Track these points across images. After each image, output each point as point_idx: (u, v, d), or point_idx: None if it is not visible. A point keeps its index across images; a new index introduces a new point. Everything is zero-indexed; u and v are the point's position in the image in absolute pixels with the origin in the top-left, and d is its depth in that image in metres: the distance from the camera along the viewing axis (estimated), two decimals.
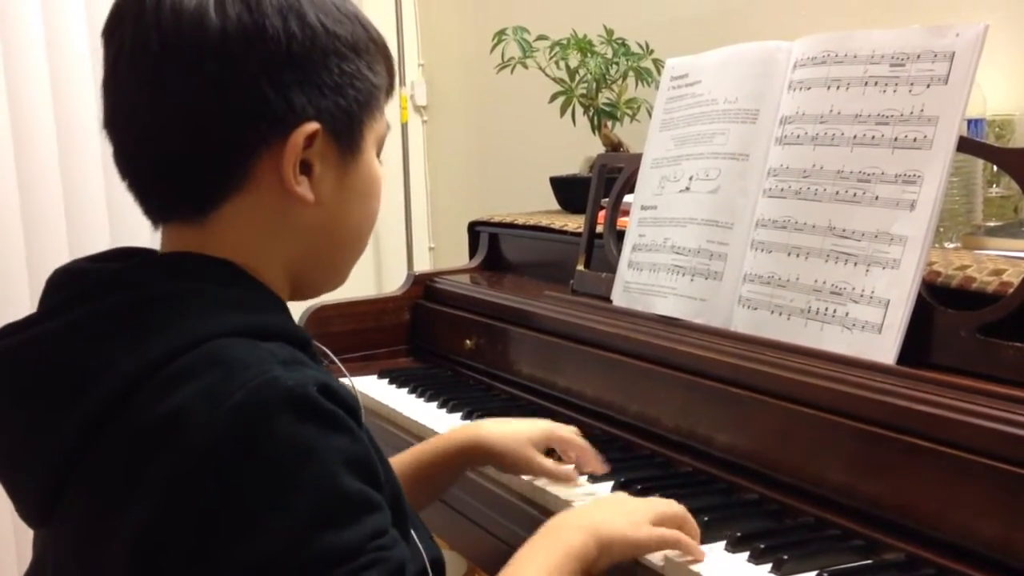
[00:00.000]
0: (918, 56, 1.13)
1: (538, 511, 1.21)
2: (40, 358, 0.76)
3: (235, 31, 0.76)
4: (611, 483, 1.20)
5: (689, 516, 1.01)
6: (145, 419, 0.71)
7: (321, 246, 0.85)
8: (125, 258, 0.83)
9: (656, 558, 1.01)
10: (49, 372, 0.75)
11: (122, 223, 2.31)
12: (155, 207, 0.82)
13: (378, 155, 0.87)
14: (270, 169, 0.78)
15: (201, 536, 0.68)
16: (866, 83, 1.18)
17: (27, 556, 0.85)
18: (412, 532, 0.83)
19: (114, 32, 0.80)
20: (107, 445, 0.72)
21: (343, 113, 0.81)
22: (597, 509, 0.99)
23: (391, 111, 2.89)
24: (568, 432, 1.23)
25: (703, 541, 1.03)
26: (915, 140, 1.12)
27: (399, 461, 1.16)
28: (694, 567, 0.99)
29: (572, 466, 1.22)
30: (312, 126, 0.78)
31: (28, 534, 0.83)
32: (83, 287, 0.79)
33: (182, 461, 0.68)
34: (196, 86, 0.76)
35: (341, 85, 0.80)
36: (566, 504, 1.17)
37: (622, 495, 1.02)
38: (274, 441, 0.69)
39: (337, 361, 1.01)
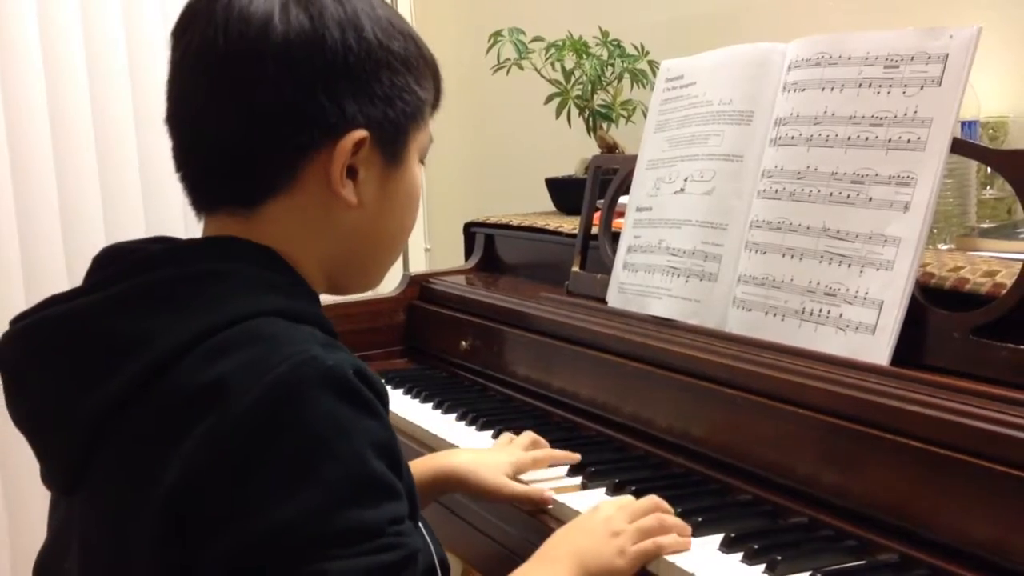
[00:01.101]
0: (912, 58, 1.14)
1: (536, 514, 1.21)
2: (83, 328, 0.78)
3: (297, 39, 0.80)
4: (605, 484, 1.21)
5: (671, 519, 1.04)
6: (185, 389, 0.73)
7: (359, 248, 0.88)
8: (169, 242, 0.86)
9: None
10: (90, 341, 0.77)
11: (118, 223, 2.31)
12: (204, 199, 0.86)
13: (421, 162, 0.91)
14: (318, 171, 0.82)
15: (229, 501, 0.70)
16: (860, 85, 1.18)
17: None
18: (421, 526, 0.85)
19: (184, 32, 0.83)
20: (144, 414, 0.74)
21: (390, 123, 0.85)
22: (581, 536, 1.01)
23: None
24: (533, 460, 1.25)
25: (696, 536, 1.04)
26: (909, 141, 1.12)
27: None
28: (687, 567, 0.99)
29: (544, 488, 1.22)
30: (361, 133, 0.82)
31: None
32: (129, 263, 0.82)
33: (219, 425, 0.70)
34: (256, 88, 0.80)
35: (391, 97, 0.84)
36: (561, 505, 1.17)
37: (604, 509, 1.04)
38: (312, 414, 0.71)
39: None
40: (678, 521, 1.05)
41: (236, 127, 0.81)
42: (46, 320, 0.80)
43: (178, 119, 0.85)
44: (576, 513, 1.15)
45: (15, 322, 0.82)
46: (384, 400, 0.78)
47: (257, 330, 0.75)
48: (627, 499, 1.08)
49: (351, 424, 0.73)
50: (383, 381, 0.79)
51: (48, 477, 0.83)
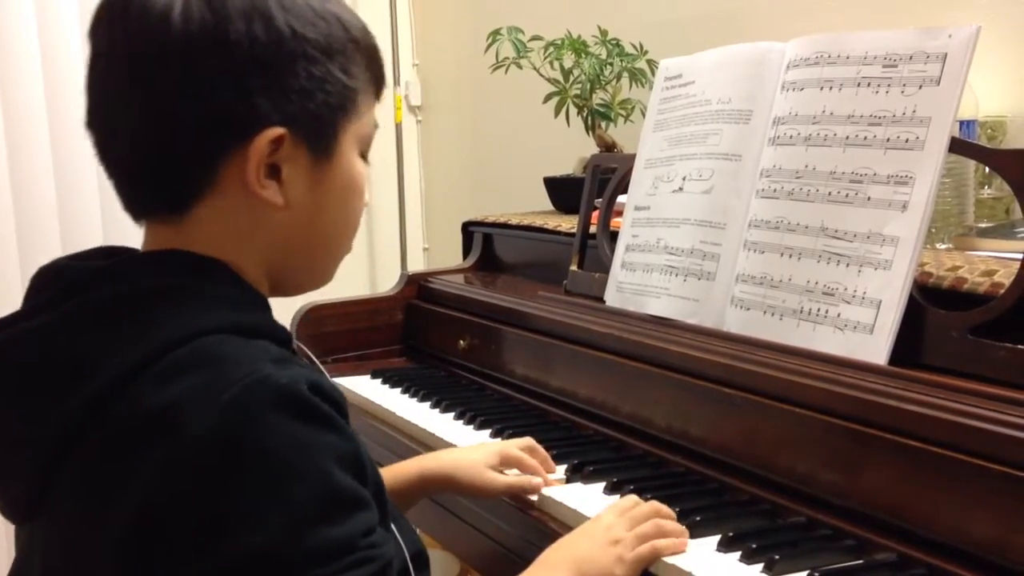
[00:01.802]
0: (910, 57, 1.14)
1: (533, 512, 1.21)
2: (26, 354, 0.76)
3: (198, 35, 0.76)
4: (603, 483, 1.21)
5: (668, 524, 1.04)
6: (137, 414, 0.71)
7: (297, 248, 0.84)
8: (108, 257, 0.83)
9: None
10: (35, 367, 0.76)
11: (116, 222, 2.31)
12: (132, 205, 0.83)
13: (364, 155, 0.87)
14: (237, 173, 0.78)
15: (194, 528, 0.68)
16: (859, 84, 1.18)
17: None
18: (392, 525, 0.84)
19: (94, 33, 0.81)
20: (97, 440, 0.73)
21: (312, 117, 0.80)
22: (581, 542, 1.02)
23: (385, 111, 2.88)
24: (518, 451, 1.24)
25: (694, 535, 1.04)
26: (907, 141, 1.12)
27: None
28: (685, 567, 0.99)
29: (532, 478, 1.22)
30: (276, 131, 0.78)
31: (11, 530, 0.83)
32: (68, 283, 0.79)
33: (176, 455, 0.69)
34: (160, 89, 0.77)
35: (309, 89, 0.79)
36: (556, 504, 1.17)
37: (605, 517, 1.04)
38: (270, 436, 0.69)
39: (316, 361, 1.01)
40: (676, 525, 1.04)
41: (144, 128, 0.78)
42: None
43: (93, 123, 0.81)
44: (573, 511, 1.15)
45: None
46: (343, 410, 0.75)
47: (208, 350, 0.72)
48: (630, 501, 1.07)
49: (310, 440, 0.70)
50: (340, 391, 0.76)
51: (6, 508, 0.81)
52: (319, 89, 0.80)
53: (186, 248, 0.80)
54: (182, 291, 0.77)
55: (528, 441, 1.26)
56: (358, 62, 0.83)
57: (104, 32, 0.79)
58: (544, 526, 1.17)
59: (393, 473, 1.20)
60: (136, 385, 0.72)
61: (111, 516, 0.70)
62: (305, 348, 0.86)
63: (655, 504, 1.06)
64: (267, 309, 0.83)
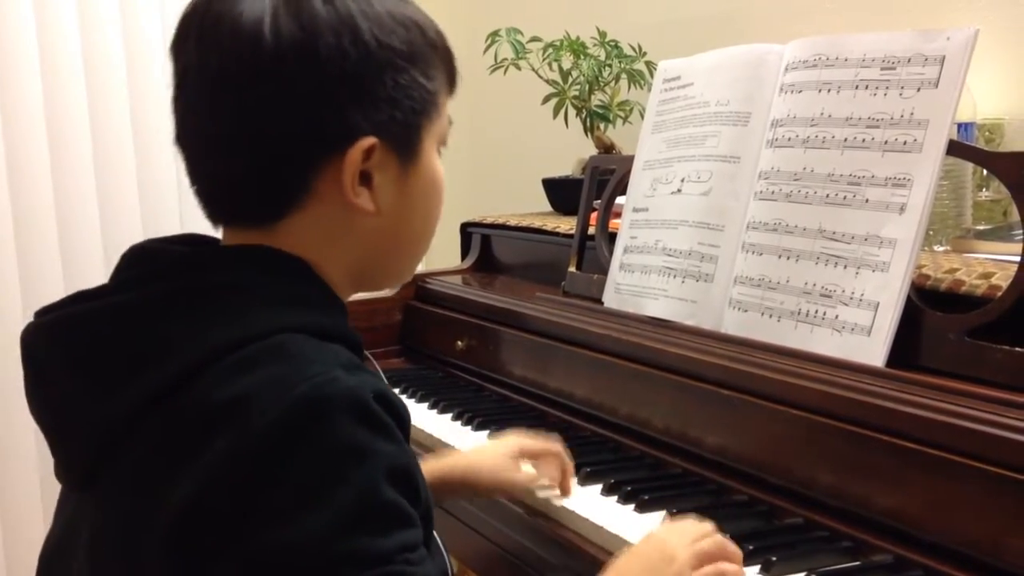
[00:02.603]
0: (909, 60, 1.14)
1: (530, 513, 1.21)
2: (105, 329, 0.78)
3: (289, 51, 0.77)
4: (601, 484, 1.21)
5: (730, 544, 0.96)
6: (206, 403, 0.72)
7: (385, 250, 0.86)
8: (198, 244, 0.85)
9: None
10: (111, 344, 0.77)
11: (115, 223, 2.31)
12: (219, 214, 0.84)
13: (441, 148, 0.88)
14: (331, 183, 0.80)
15: (241, 514, 0.69)
16: (857, 86, 1.18)
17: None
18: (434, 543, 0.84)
19: (179, 49, 0.81)
20: (165, 422, 0.74)
21: (400, 124, 0.81)
22: (641, 559, 0.95)
23: None
24: (538, 446, 1.21)
25: None
26: (905, 143, 1.12)
27: None
28: None
29: (534, 473, 1.20)
30: (369, 141, 0.79)
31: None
32: (155, 266, 0.81)
33: (240, 442, 0.70)
34: (253, 106, 0.78)
35: (396, 98, 0.81)
36: (560, 510, 1.17)
37: (661, 533, 0.97)
38: (330, 437, 0.70)
39: (375, 363, 1.01)
40: (735, 547, 0.97)
41: (240, 147, 0.79)
42: (72, 318, 0.79)
43: (184, 139, 0.83)
44: (570, 512, 1.15)
45: (41, 314, 0.81)
46: (405, 425, 0.76)
47: (282, 347, 0.74)
48: (685, 522, 1.00)
49: (367, 449, 0.71)
50: (405, 405, 0.77)
51: (61, 473, 0.83)
52: (405, 97, 0.81)
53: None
54: (262, 287, 0.78)
55: (555, 446, 1.22)
56: (437, 65, 0.85)
57: (192, 47, 0.80)
58: (541, 527, 1.18)
59: None
60: (210, 373, 0.73)
61: (167, 498, 0.71)
62: (373, 359, 0.87)
63: (710, 525, 0.98)
64: (345, 314, 0.84)
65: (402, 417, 0.76)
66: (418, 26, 0.83)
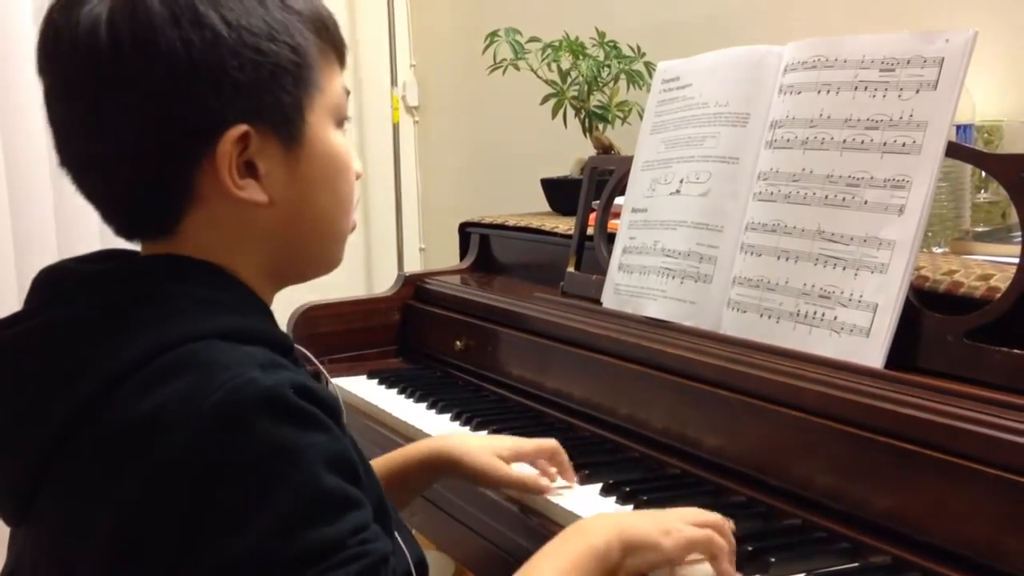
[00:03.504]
0: (908, 61, 1.14)
1: (526, 512, 1.21)
2: (19, 358, 0.76)
3: (129, 51, 0.74)
4: (599, 484, 1.21)
5: (726, 526, 0.96)
6: (124, 418, 0.71)
7: (294, 240, 0.83)
8: (110, 260, 0.83)
9: None
10: (29, 370, 0.76)
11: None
12: (121, 231, 0.82)
13: (340, 125, 0.84)
14: (212, 180, 0.77)
15: (181, 534, 0.68)
16: (856, 88, 1.18)
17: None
18: (396, 533, 0.83)
19: (40, 69, 0.79)
20: (86, 443, 0.72)
21: (272, 106, 0.77)
22: (627, 514, 0.98)
23: (382, 111, 2.87)
24: (537, 449, 1.19)
25: None
26: (904, 145, 1.12)
27: (380, 462, 1.15)
28: (682, 570, 0.99)
29: (541, 476, 1.18)
30: (238, 129, 0.76)
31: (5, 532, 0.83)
32: (66, 286, 0.79)
33: (161, 459, 0.68)
34: (107, 115, 0.75)
35: (260, 78, 0.76)
36: (551, 505, 1.17)
37: (656, 510, 0.99)
38: (253, 441, 0.69)
39: (319, 364, 1.00)
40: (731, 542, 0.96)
41: (107, 155, 0.76)
42: None
43: (62, 158, 0.80)
44: (568, 512, 1.15)
45: None
46: (334, 411, 0.74)
47: (195, 356, 0.72)
48: (693, 509, 1.00)
49: (295, 442, 0.69)
50: (335, 395, 0.76)
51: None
52: (269, 76, 0.76)
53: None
54: (174, 297, 0.76)
55: (551, 444, 1.20)
56: (306, 36, 0.79)
57: (44, 66, 0.78)
58: (539, 527, 1.17)
59: (402, 454, 1.18)
60: (124, 390, 0.71)
61: (98, 520, 0.70)
62: (308, 353, 0.85)
63: (719, 517, 0.98)
64: (264, 314, 0.82)
65: (328, 404, 0.74)
66: None
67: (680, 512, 0.98)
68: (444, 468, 1.19)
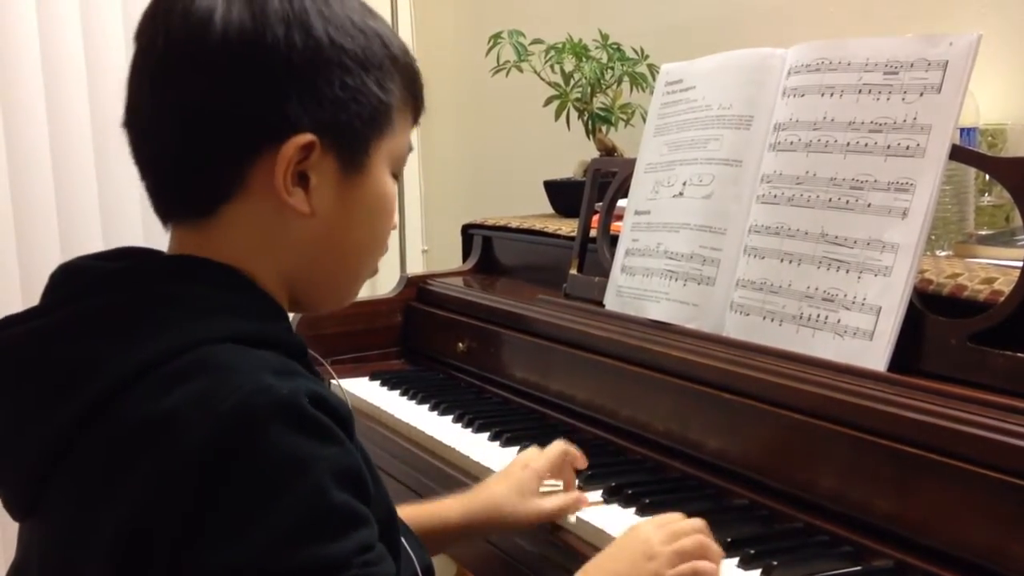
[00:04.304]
0: (912, 64, 1.14)
1: None
2: (33, 352, 0.76)
3: (236, 37, 0.76)
4: (601, 488, 1.21)
5: (711, 545, 0.98)
6: (134, 419, 0.70)
7: (319, 261, 0.83)
8: (127, 258, 0.83)
9: None
10: (41, 366, 0.76)
11: (115, 224, 2.31)
12: (161, 206, 0.83)
13: (396, 176, 0.86)
14: (265, 178, 0.78)
15: (185, 536, 0.68)
16: (860, 91, 1.18)
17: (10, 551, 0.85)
18: (403, 539, 0.83)
19: (140, 32, 0.81)
20: (94, 442, 0.72)
21: (344, 128, 0.80)
22: (618, 558, 0.96)
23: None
24: (552, 462, 1.18)
25: None
26: (908, 148, 1.12)
27: (413, 515, 1.10)
28: None
29: (573, 492, 1.18)
30: (306, 137, 0.77)
31: (12, 527, 0.83)
32: (81, 285, 0.80)
33: (170, 462, 0.68)
34: (192, 89, 0.77)
35: (343, 99, 0.79)
36: None
37: (643, 529, 0.98)
38: (264, 449, 0.68)
39: (327, 364, 1.00)
40: (716, 546, 0.99)
41: (177, 130, 0.78)
42: (1, 343, 0.78)
43: (128, 122, 0.82)
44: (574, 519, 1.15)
45: None
46: (347, 424, 0.74)
47: (209, 359, 0.72)
48: (670, 517, 1.01)
49: (306, 453, 0.69)
50: (347, 403, 0.75)
51: (5, 502, 0.81)
52: (352, 100, 0.79)
53: (205, 253, 0.80)
54: (188, 299, 0.76)
55: (560, 449, 1.20)
56: (395, 79, 0.83)
57: (148, 32, 0.80)
58: (539, 528, 1.17)
59: (433, 515, 1.14)
60: (136, 391, 0.71)
61: (103, 520, 0.70)
62: (315, 354, 0.85)
63: (697, 521, 1.00)
64: (280, 318, 0.82)
65: (341, 416, 0.73)
66: (380, 37, 0.82)
67: (659, 534, 0.97)
68: (483, 528, 1.16)
